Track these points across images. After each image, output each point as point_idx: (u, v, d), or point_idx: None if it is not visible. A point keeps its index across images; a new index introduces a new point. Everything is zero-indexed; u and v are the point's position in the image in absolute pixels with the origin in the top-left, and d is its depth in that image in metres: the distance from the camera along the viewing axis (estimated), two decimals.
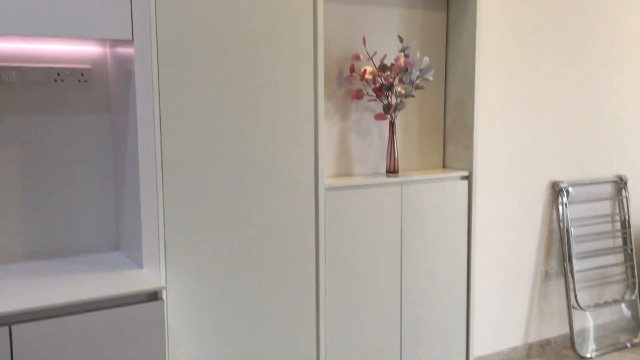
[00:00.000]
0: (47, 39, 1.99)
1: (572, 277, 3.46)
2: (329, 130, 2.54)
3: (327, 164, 2.55)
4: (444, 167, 2.85)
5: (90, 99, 2.17)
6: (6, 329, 1.59)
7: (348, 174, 2.62)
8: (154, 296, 1.81)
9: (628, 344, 3.61)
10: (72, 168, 2.16)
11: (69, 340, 1.67)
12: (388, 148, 2.56)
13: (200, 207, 2.09)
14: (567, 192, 3.45)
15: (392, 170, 2.56)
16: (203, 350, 2.14)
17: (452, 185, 2.65)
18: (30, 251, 2.12)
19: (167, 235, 2.05)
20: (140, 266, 1.99)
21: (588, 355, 3.46)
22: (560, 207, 3.45)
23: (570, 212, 3.50)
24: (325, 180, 2.39)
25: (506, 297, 3.33)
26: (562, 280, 3.54)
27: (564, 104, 3.42)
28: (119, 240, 2.22)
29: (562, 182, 3.45)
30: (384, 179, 2.48)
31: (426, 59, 2.48)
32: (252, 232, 2.19)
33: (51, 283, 1.83)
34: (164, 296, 1.84)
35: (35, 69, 2.07)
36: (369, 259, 2.46)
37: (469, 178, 2.69)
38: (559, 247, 3.51)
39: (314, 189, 2.30)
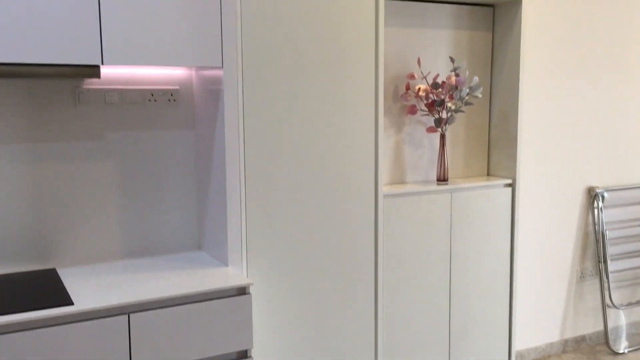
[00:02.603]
0: (149, 67, 2.28)
1: (607, 277, 3.66)
2: (385, 142, 2.80)
3: (383, 172, 2.80)
4: (488, 174, 3.09)
5: (178, 116, 2.46)
6: (125, 317, 1.88)
7: (401, 181, 2.87)
8: (242, 291, 2.09)
9: None
10: (161, 176, 2.45)
11: (173, 327, 1.96)
12: (438, 158, 2.81)
13: (276, 210, 2.36)
14: (603, 197, 3.66)
15: (442, 179, 2.81)
16: (276, 338, 2.41)
17: (497, 192, 2.88)
18: (126, 250, 2.41)
19: (248, 236, 2.33)
20: (225, 263, 2.27)
21: (621, 352, 3.66)
22: (595, 211, 3.66)
23: (605, 215, 3.71)
24: (383, 188, 2.65)
25: (544, 295, 3.56)
26: (597, 280, 3.75)
27: (599, 113, 3.62)
28: (202, 240, 2.51)
29: (598, 187, 3.66)
30: (435, 187, 2.73)
31: (476, 78, 2.73)
32: (321, 233, 2.45)
33: (154, 278, 2.12)
34: (250, 291, 2.12)
35: (133, 90, 2.36)
36: (421, 259, 2.71)
37: (512, 185, 2.92)
38: (594, 248, 3.72)
39: (374, 196, 2.55)
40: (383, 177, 2.81)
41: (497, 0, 2.83)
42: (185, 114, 2.48)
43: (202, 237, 2.50)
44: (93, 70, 1.98)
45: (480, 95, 2.78)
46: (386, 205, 2.61)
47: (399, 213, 2.64)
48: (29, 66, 1.89)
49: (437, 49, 2.88)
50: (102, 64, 1.98)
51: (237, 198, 2.26)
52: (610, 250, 3.74)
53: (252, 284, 2.07)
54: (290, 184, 2.38)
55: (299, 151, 2.38)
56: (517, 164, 2.91)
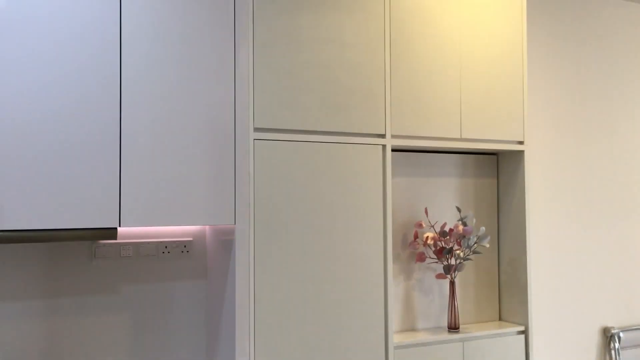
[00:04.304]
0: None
1: None
2: (395, 289, 2.81)
3: (394, 320, 2.79)
4: (500, 319, 3.06)
5: (191, 266, 2.51)
6: None
7: (412, 328, 2.85)
8: None
9: None
10: (172, 328, 2.46)
11: None
12: (449, 306, 2.80)
13: None
14: (619, 337, 3.58)
15: (453, 327, 2.78)
16: None
17: (510, 339, 2.84)
18: None
19: None
20: None
21: None
22: (612, 352, 3.57)
23: (623, 357, 3.61)
24: (394, 337, 2.62)
25: None
26: None
27: (609, 252, 3.63)
28: None
29: (613, 327, 3.59)
30: (447, 336, 2.70)
31: (482, 228, 2.78)
32: None
33: None
34: None
35: (148, 243, 2.43)
36: None
37: (525, 332, 2.89)
38: None
39: (384, 347, 2.53)
40: (394, 325, 2.79)
41: (500, 150, 2.94)
42: (197, 265, 2.52)
43: None
44: (110, 232, 2.05)
45: (487, 245, 2.82)
46: (397, 357, 2.57)
47: None
48: (48, 231, 1.96)
49: (444, 197, 2.96)
50: (120, 226, 2.06)
51: (245, 352, 2.25)
52: None
53: None
54: (300, 337, 2.37)
55: (308, 304, 2.39)
56: (529, 310, 2.89)
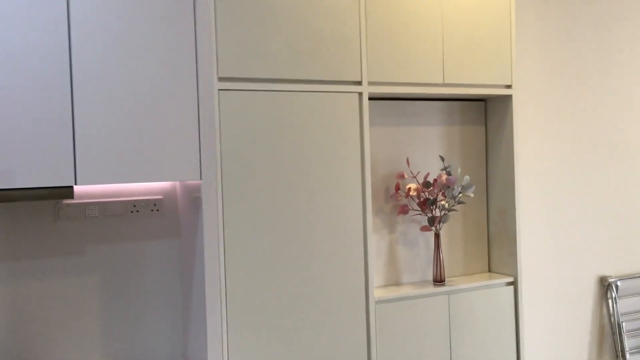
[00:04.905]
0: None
1: None
2: (378, 243, 2.71)
3: (377, 274, 2.70)
4: (489, 270, 2.97)
5: (162, 225, 2.42)
6: None
7: (397, 282, 2.76)
8: None
9: None
10: (144, 289, 2.39)
11: None
12: (434, 258, 2.71)
13: (261, 322, 2.26)
14: (616, 286, 3.49)
15: (438, 280, 2.69)
16: None
17: (498, 291, 2.75)
18: None
19: (230, 349, 2.22)
20: None
21: None
22: (609, 301, 3.48)
23: (621, 306, 3.52)
24: (375, 293, 2.54)
25: None
26: None
27: (604, 199, 3.51)
28: (186, 350, 2.41)
29: (610, 277, 3.50)
30: (432, 289, 2.62)
31: (467, 177, 2.66)
32: (308, 345, 2.34)
33: None
34: None
35: (115, 202, 2.34)
36: None
37: (514, 284, 2.79)
38: (611, 342, 3.52)
39: (364, 303, 2.45)
40: (376, 280, 2.71)
41: (487, 95, 2.79)
42: (169, 224, 2.43)
43: (187, 348, 2.41)
44: (66, 191, 1.96)
45: (472, 195, 2.70)
46: (378, 312, 2.49)
47: (393, 319, 2.52)
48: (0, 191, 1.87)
49: (428, 146, 2.83)
50: (76, 184, 1.96)
51: (217, 309, 2.17)
52: (629, 342, 3.53)
53: None
54: (274, 293, 2.29)
55: (282, 260, 2.30)
56: (518, 261, 2.79)
